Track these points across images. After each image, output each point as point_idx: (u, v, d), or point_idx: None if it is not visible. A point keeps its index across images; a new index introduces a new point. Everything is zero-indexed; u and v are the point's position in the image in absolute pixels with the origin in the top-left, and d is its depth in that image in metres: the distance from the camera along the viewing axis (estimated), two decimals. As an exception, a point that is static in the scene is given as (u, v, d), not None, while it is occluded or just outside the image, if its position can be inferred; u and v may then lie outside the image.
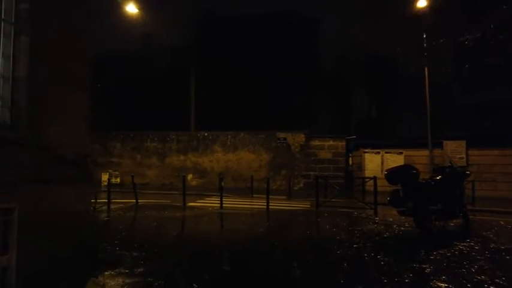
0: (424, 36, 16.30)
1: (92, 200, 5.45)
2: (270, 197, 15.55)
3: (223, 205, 12.10)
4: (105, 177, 19.71)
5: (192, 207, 11.79)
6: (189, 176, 19.82)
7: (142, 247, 6.00)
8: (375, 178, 10.72)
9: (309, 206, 13.07)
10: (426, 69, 16.02)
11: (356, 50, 25.42)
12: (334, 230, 7.99)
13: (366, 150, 19.04)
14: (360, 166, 19.09)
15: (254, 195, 15.92)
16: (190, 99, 20.41)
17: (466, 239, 6.99)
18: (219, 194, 16.46)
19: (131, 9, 17.36)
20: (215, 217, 9.88)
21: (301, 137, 19.28)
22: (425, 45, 16.31)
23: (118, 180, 19.79)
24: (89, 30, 4.73)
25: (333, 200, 12.37)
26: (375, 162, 18.78)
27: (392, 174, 8.02)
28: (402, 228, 8.25)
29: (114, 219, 9.04)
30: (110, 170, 19.91)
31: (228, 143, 19.75)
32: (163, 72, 26.81)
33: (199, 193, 17.14)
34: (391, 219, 9.29)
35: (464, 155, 17.18)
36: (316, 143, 19.22)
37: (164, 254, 5.73)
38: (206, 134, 19.97)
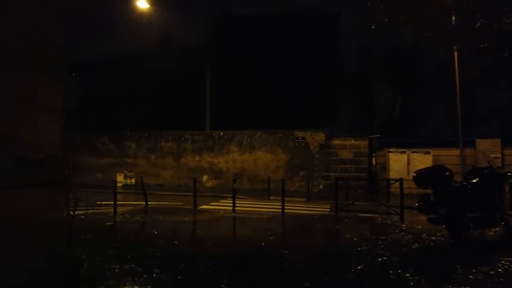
0: (453, 18, 14.83)
1: (71, 206, 4.76)
2: (288, 199, 14.80)
3: (237, 208, 11.41)
4: (120, 178, 19.44)
5: (203, 211, 11.11)
6: (205, 177, 19.24)
7: (136, 259, 5.35)
8: (401, 180, 9.72)
9: (328, 210, 12.17)
10: (456, 54, 14.52)
11: (379, 43, 24.17)
12: (355, 239, 7.09)
13: (391, 150, 17.89)
14: (384, 167, 17.95)
15: (271, 197, 15.16)
16: (206, 98, 19.81)
17: (510, 253, 5.97)
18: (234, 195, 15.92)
19: (142, 4, 16.91)
20: (225, 222, 9.16)
21: (320, 136, 18.33)
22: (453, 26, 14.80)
23: (133, 181, 19.45)
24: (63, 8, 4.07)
25: (354, 203, 11.45)
26: (401, 163, 17.62)
27: (423, 177, 7.05)
28: (433, 238, 7.26)
29: (116, 225, 8.47)
30: (124, 171, 19.62)
31: (245, 142, 19.03)
32: (178, 71, 26.42)
33: (215, 195, 16.54)
34: (419, 227, 8.29)
35: (499, 155, 15.79)
36: (336, 142, 18.22)
37: (158, 268, 5.04)
38: (222, 134, 19.33)
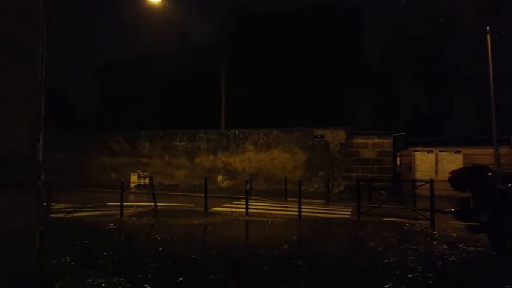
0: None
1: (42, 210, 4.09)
2: (306, 201, 14.02)
3: (251, 211, 10.70)
4: (133, 178, 19.05)
5: (215, 214, 10.42)
6: (219, 177, 18.59)
7: (126, 271, 4.67)
8: (431, 182, 8.72)
9: (349, 213, 11.26)
10: (488, 37, 13.18)
11: (404, 36, 22.93)
12: (381, 249, 6.21)
13: (417, 149, 16.75)
14: (410, 167, 16.82)
15: (288, 199, 14.37)
16: (221, 95, 19.15)
17: None
18: (249, 197, 15.17)
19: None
20: (236, 227, 8.41)
21: (341, 134, 17.35)
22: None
23: (147, 181, 18.98)
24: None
25: (378, 205, 10.50)
26: (428, 163, 16.47)
27: (460, 178, 6.11)
28: (472, 248, 6.29)
29: (118, 229, 7.86)
30: (138, 171, 19.21)
31: (261, 141, 18.25)
32: (194, 70, 26.04)
33: (229, 196, 15.87)
34: (454, 235, 7.31)
35: (539, 154, 14.46)
36: (358, 140, 17.20)
37: (151, 282, 4.34)
38: (237, 132, 18.61)
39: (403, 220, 9.39)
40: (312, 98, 23.11)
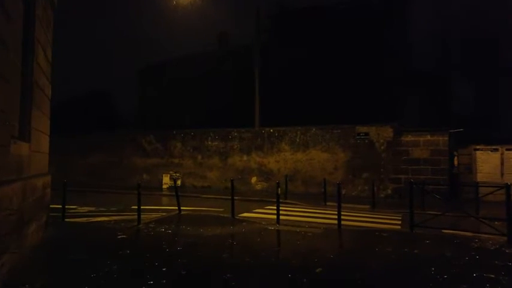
0: None
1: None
2: (348, 206, 12.50)
3: (284, 218, 9.49)
4: (166, 179, 18.44)
5: (242, 221, 9.23)
6: (253, 179, 17.43)
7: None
8: (507, 186, 6.91)
9: (399, 223, 9.61)
10: None
11: (455, 27, 20.61)
12: (446, 279, 4.68)
13: (478, 147, 14.59)
14: (470, 168, 14.66)
15: (328, 203, 12.93)
16: (255, 92, 17.97)
17: None
18: (285, 200, 13.87)
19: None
20: (261, 239, 7.15)
21: (388, 131, 15.53)
22: None
23: (179, 182, 18.25)
24: None
25: (432, 212, 8.83)
26: (492, 163, 14.27)
27: None
28: None
29: (127, 239, 6.88)
30: (170, 172, 18.56)
31: (297, 140, 16.84)
32: (231, 68, 25.35)
33: (262, 199, 14.71)
34: (545, 258, 5.56)
35: None
36: (408, 138, 15.28)
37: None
38: (272, 131, 17.34)
39: (467, 234, 7.66)
40: (354, 94, 21.38)
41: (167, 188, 18.15)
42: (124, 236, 7.10)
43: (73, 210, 11.27)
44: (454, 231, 7.82)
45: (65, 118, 33.96)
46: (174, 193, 16.55)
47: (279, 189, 9.27)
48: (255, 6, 19.10)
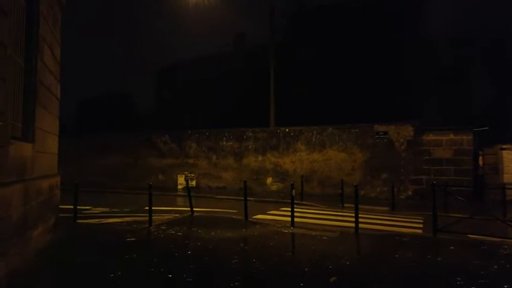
0: None
1: None
2: (366, 208, 12.08)
3: (299, 220, 9.17)
4: (181, 179, 18.33)
5: (255, 223, 8.94)
6: (269, 180, 17.11)
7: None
8: (540, 190, 6.38)
9: (421, 227, 9.12)
10: None
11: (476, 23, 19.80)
12: (475, 291, 4.26)
13: (505, 147, 13.84)
14: (496, 168, 13.93)
15: (345, 205, 12.50)
16: (270, 90, 17.66)
17: None
18: (300, 202, 13.51)
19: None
20: (274, 244, 6.84)
21: (408, 130, 14.95)
22: None
23: (193, 183, 18.13)
24: None
25: (456, 215, 8.32)
26: (520, 163, 13.49)
27: None
28: None
29: (135, 242, 6.69)
30: (185, 172, 18.44)
31: (313, 139, 16.42)
32: (248, 68, 25.16)
33: (278, 200, 14.40)
34: None
35: None
36: (429, 137, 14.66)
37: None
38: (287, 130, 16.97)
39: (495, 240, 7.13)
40: (371, 92, 20.81)
41: (182, 188, 18.02)
42: (133, 239, 6.92)
43: (87, 211, 11.23)
44: (481, 237, 7.31)
45: (85, 119, 34.60)
46: (185, 194, 16.50)
47: (293, 190, 8.91)
48: (270, 6, 18.80)
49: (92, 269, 4.95)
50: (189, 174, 18.30)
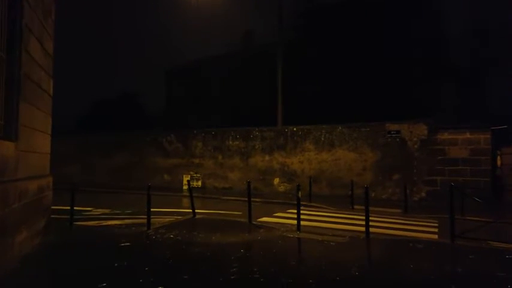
0: None
1: None
2: (378, 210, 11.52)
3: (305, 223, 8.73)
4: (186, 179, 17.94)
5: (259, 227, 8.47)
6: (276, 180, 16.62)
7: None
8: None
9: (436, 231, 8.54)
10: None
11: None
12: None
13: (525, 146, 13.10)
14: (516, 169, 13.23)
15: (355, 207, 11.96)
16: (277, 90, 17.16)
17: None
18: (308, 203, 13.00)
19: None
20: (277, 250, 6.36)
21: (421, 129, 14.31)
22: None
23: (199, 183, 17.76)
24: None
25: (473, 218, 7.74)
26: (542, 164, 12.75)
27: None
28: None
29: (128, 247, 6.27)
30: (191, 172, 18.06)
31: (322, 139, 15.87)
32: (257, 66, 24.74)
33: (285, 202, 13.90)
34: None
35: None
36: (444, 136, 14.00)
37: None
38: (295, 129, 16.44)
39: (520, 247, 6.54)
40: (383, 90, 20.14)
41: (187, 189, 17.63)
42: (127, 244, 6.51)
43: (87, 213, 10.91)
44: (503, 244, 6.72)
45: (97, 119, 34.60)
46: (195, 194, 16.02)
47: (300, 192, 8.41)
48: (278, 4, 18.28)
49: (73, 279, 4.55)
50: (195, 175, 17.92)
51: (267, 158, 16.78)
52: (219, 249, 6.26)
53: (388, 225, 9.20)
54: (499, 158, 13.64)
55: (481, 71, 23.31)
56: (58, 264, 5.22)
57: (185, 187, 17.83)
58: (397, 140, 14.64)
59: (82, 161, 19.96)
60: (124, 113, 33.37)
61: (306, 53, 23.38)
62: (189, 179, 17.72)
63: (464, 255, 6.00)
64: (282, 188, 16.40)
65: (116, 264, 5.16)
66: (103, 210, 11.57)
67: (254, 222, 8.91)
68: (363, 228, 7.51)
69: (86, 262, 5.33)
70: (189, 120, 25.85)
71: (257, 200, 14.61)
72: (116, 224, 9.03)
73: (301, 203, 12.69)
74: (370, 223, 7.55)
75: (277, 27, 18.32)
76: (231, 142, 17.63)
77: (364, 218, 7.59)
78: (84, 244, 6.52)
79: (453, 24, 24.82)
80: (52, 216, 7.06)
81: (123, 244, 6.47)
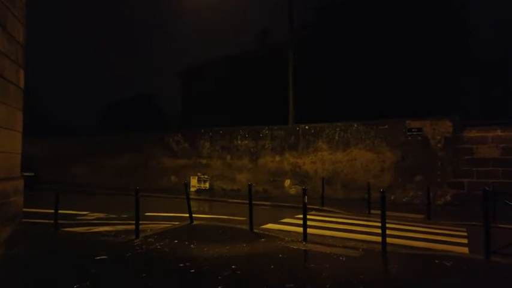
0: None
1: None
2: (398, 215, 10.43)
3: (314, 232, 7.84)
4: (193, 181, 17.18)
5: (261, 236, 7.52)
6: (287, 182, 15.62)
7: None
8: None
9: (465, 242, 7.37)
10: None
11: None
12: None
13: None
14: (555, 170, 11.80)
15: (372, 211, 10.87)
16: (288, 86, 16.15)
17: None
18: (320, 207, 11.98)
19: None
20: (276, 267, 5.39)
21: (446, 126, 13.04)
22: None
23: (207, 185, 16.96)
24: None
25: (508, 226, 6.60)
26: None
27: None
28: None
29: (105, 261, 5.44)
30: (198, 173, 17.27)
31: (337, 137, 14.77)
32: (272, 64, 23.92)
33: (296, 205, 12.83)
34: None
35: None
36: (472, 134, 12.68)
37: None
38: (307, 127, 15.40)
39: None
40: (402, 85, 18.84)
41: (195, 191, 16.86)
42: (103, 257, 5.68)
43: (81, 217, 10.21)
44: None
45: (114, 120, 34.51)
46: (201, 197, 15.32)
47: (306, 197, 7.40)
48: (288, 2, 17.31)
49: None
50: (202, 176, 17.11)
51: (277, 158, 15.79)
52: (206, 265, 5.35)
53: (409, 234, 8.09)
54: (535, 157, 12.23)
55: (509, 65, 21.70)
56: (8, 284, 4.41)
57: (192, 189, 17.05)
58: (419, 138, 13.40)
59: (90, 162, 19.51)
60: (140, 115, 33.18)
61: (318, 50, 22.40)
62: (197, 180, 16.93)
63: (504, 277, 4.88)
64: (293, 191, 15.38)
65: (75, 286, 4.31)
66: (99, 214, 10.86)
67: (256, 230, 7.97)
68: (380, 238, 6.47)
69: (42, 282, 4.51)
70: (203, 120, 25.28)
71: (266, 203, 13.67)
72: (105, 231, 8.26)
73: (312, 207, 11.77)
74: (389, 231, 6.52)
75: (288, 23, 17.37)
76: (239, 141, 16.72)
77: (381, 224, 6.54)
78: (52, 257, 5.74)
79: (480, 17, 23.24)
80: (40, 221, 6.43)
81: (98, 257, 5.64)
